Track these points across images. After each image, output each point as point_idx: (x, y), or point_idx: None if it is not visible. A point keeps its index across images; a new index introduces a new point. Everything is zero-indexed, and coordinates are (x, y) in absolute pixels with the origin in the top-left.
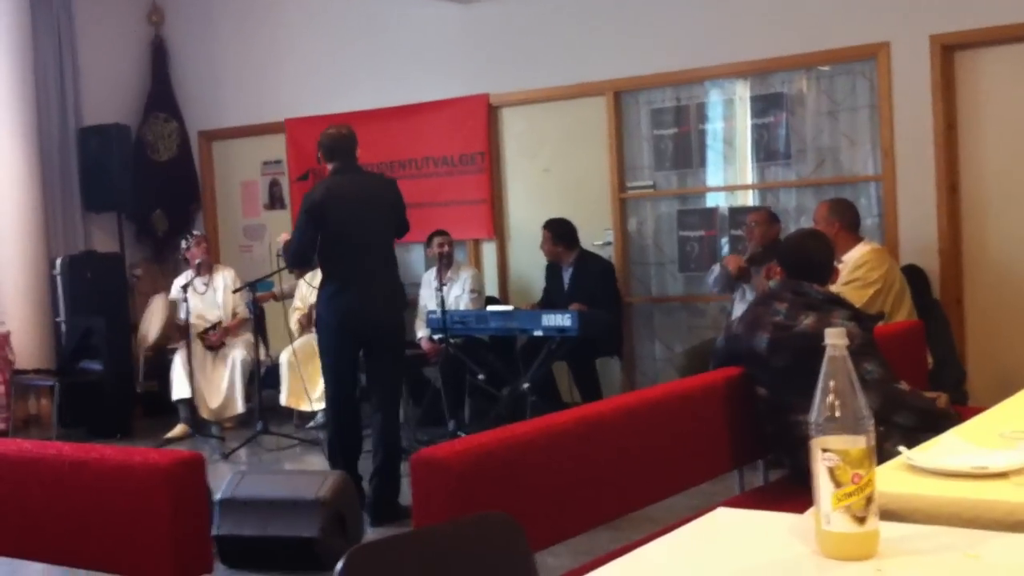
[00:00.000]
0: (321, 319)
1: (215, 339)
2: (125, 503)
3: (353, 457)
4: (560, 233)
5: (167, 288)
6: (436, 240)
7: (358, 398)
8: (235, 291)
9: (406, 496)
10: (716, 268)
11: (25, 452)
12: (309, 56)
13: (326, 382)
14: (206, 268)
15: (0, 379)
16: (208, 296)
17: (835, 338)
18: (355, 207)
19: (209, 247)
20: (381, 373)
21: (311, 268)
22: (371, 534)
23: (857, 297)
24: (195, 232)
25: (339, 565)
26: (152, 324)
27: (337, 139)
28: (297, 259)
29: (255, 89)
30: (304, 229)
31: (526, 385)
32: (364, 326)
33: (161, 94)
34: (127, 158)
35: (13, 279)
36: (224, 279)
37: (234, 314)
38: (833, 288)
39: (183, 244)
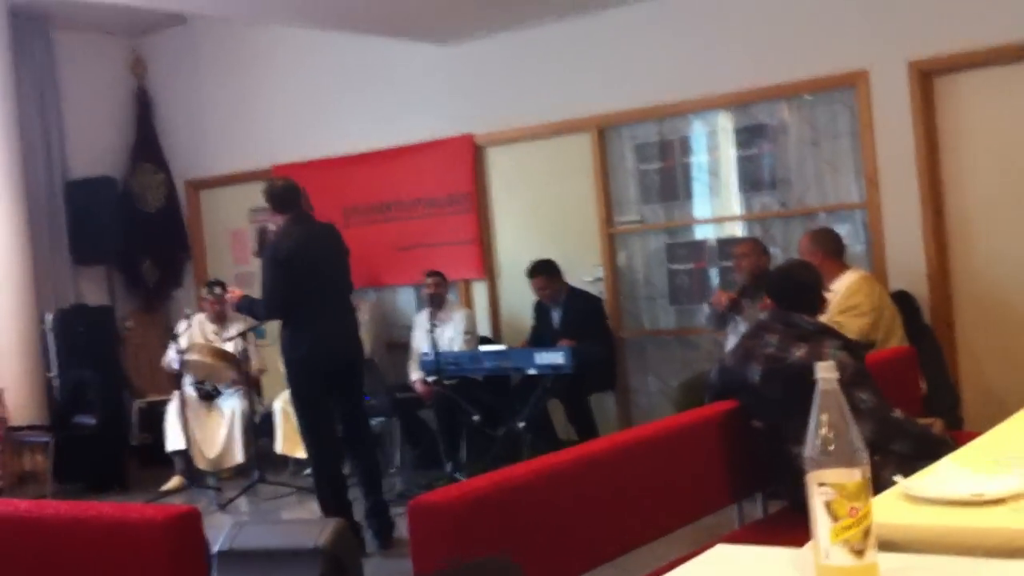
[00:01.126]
0: (294, 367)
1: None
2: (123, 560)
3: (344, 499)
4: (552, 272)
5: (159, 339)
6: (429, 280)
7: (336, 440)
8: (227, 340)
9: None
10: (706, 308)
11: (22, 512)
12: (294, 102)
13: (304, 427)
14: (218, 317)
15: None
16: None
17: (826, 371)
18: (318, 255)
19: (219, 301)
20: (352, 409)
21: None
22: None
23: (857, 325)
24: (217, 289)
25: None
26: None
27: (288, 190)
28: (276, 310)
29: (241, 137)
30: (276, 279)
31: (522, 424)
32: (334, 365)
33: (146, 144)
34: (115, 210)
35: (4, 335)
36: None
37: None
38: (826, 318)
39: (204, 292)
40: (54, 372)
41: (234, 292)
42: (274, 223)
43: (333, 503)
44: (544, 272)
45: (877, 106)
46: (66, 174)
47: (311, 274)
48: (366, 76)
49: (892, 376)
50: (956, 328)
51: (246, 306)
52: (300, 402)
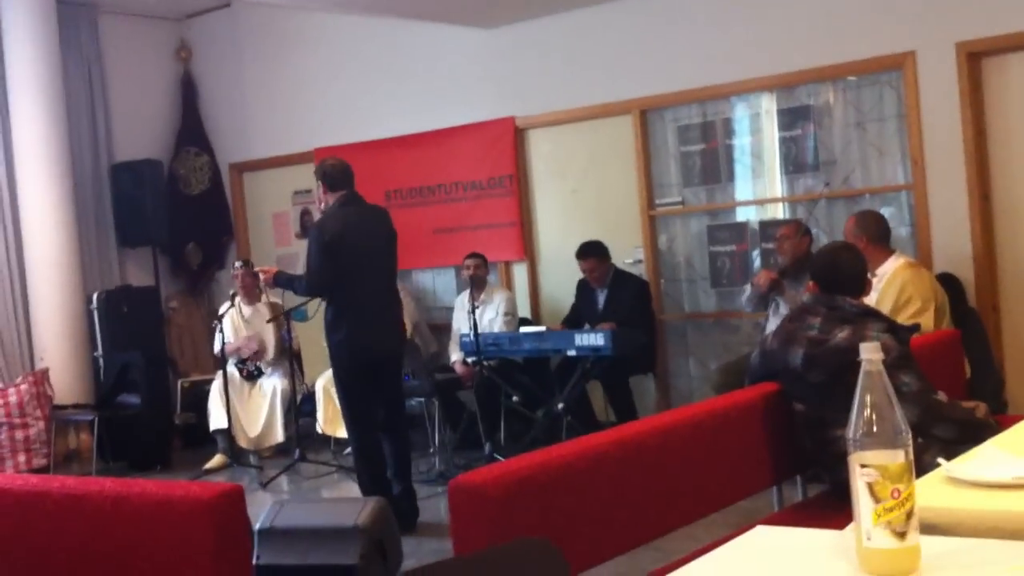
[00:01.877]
0: (336, 350)
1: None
2: (167, 537)
3: (385, 480)
4: (602, 254)
5: (203, 320)
6: (469, 262)
7: (377, 422)
8: (269, 320)
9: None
10: (748, 288)
11: (68, 489)
12: (336, 85)
13: (346, 410)
14: (249, 296)
15: (40, 415)
16: (251, 325)
17: (870, 353)
18: (365, 238)
19: (250, 277)
20: (393, 399)
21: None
22: (410, 560)
23: (921, 322)
24: (237, 263)
25: None
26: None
27: (340, 170)
28: (317, 289)
29: (283, 120)
30: (322, 260)
31: (561, 406)
32: (376, 354)
33: (191, 128)
34: (160, 193)
35: (51, 316)
36: (271, 308)
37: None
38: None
39: (236, 266)
40: (99, 352)
41: (267, 271)
42: (323, 201)
43: (372, 483)
44: (594, 254)
45: (924, 88)
46: (112, 157)
47: (356, 256)
48: (408, 60)
49: (936, 359)
50: (1001, 312)
51: (284, 282)
52: (341, 383)
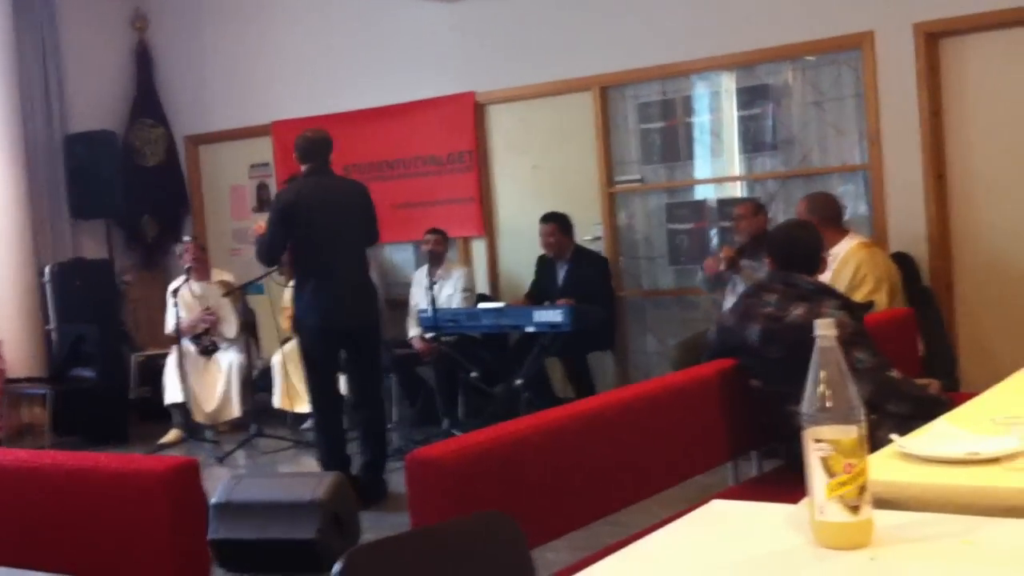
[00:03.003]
0: (301, 321)
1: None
2: (123, 510)
3: (344, 455)
4: (565, 225)
5: (159, 294)
6: (429, 236)
7: (340, 396)
8: (225, 295)
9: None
10: (700, 272)
11: (22, 462)
12: (295, 58)
13: (310, 383)
14: (199, 273)
15: None
16: (204, 301)
17: (825, 328)
18: (326, 209)
19: (200, 251)
20: (363, 370)
21: (277, 268)
22: (368, 534)
23: (875, 300)
24: (185, 237)
25: (338, 565)
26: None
27: (313, 142)
28: (265, 256)
29: (241, 92)
30: (275, 229)
31: (519, 381)
32: (343, 325)
33: (147, 100)
34: (114, 165)
35: (3, 288)
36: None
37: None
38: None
39: (177, 250)
40: (52, 325)
41: (260, 226)
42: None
43: (330, 457)
44: (556, 221)
45: (882, 68)
46: (65, 128)
47: (315, 227)
48: (368, 32)
49: (890, 337)
50: (955, 291)
51: (257, 242)
52: (305, 355)
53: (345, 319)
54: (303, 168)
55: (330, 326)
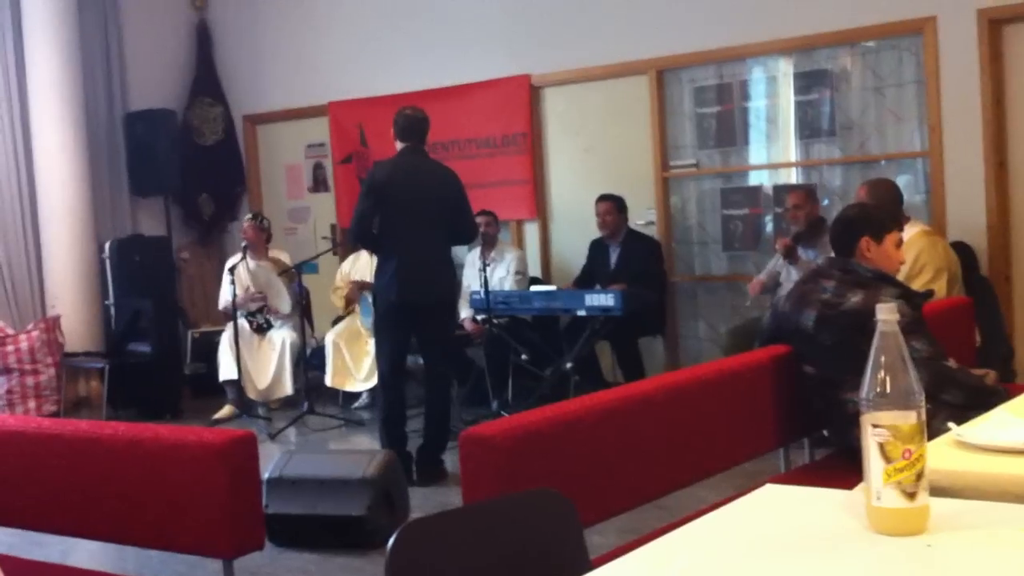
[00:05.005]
0: (378, 296)
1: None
2: (179, 481)
3: (401, 432)
4: (621, 206)
5: (215, 271)
6: (480, 219)
7: (404, 375)
8: (280, 273)
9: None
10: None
11: (81, 432)
12: (352, 39)
13: (380, 356)
14: (256, 251)
15: (51, 362)
16: (257, 278)
17: (887, 313)
18: (414, 189)
19: (259, 230)
20: (432, 350)
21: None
22: (417, 512)
23: (934, 288)
24: (248, 215)
25: (391, 540)
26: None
27: (412, 120)
28: (356, 234)
29: (298, 72)
30: (363, 205)
31: (569, 365)
32: (417, 301)
33: (206, 78)
34: (173, 143)
35: (63, 263)
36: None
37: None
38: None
39: (236, 227)
40: (111, 300)
41: None
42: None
43: (389, 434)
44: (613, 200)
45: (944, 54)
46: (126, 106)
47: (400, 207)
48: (425, 15)
49: (947, 327)
50: (1013, 282)
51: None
52: (375, 328)
53: (420, 296)
54: (399, 146)
55: (403, 302)
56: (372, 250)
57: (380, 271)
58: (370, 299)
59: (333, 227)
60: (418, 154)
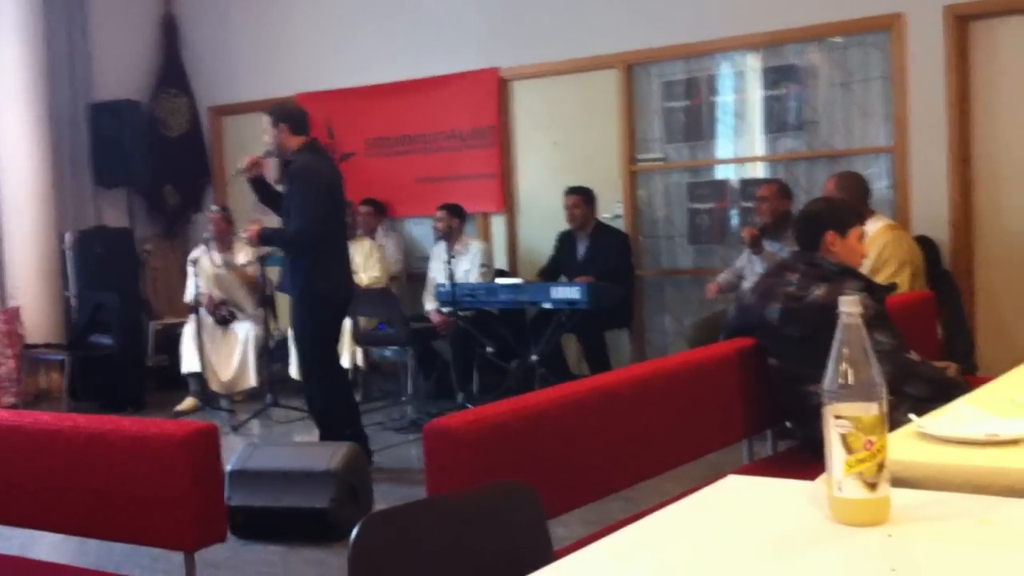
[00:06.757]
0: (326, 298)
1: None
2: (141, 474)
3: (359, 424)
4: (589, 198)
5: (178, 263)
6: (439, 214)
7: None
8: (243, 266)
9: None
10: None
11: (42, 424)
12: (320, 31)
13: (328, 359)
14: (222, 244)
15: (11, 353)
16: (221, 280)
17: (850, 306)
18: (341, 186)
19: (224, 223)
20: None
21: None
22: (381, 504)
23: (898, 281)
24: (212, 207)
25: (355, 532)
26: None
27: (304, 114)
28: (319, 235)
29: (266, 64)
30: (325, 205)
31: (535, 357)
32: (346, 299)
33: (172, 70)
34: (138, 134)
35: (23, 254)
36: (246, 254)
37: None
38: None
39: (200, 219)
40: (72, 292)
41: (251, 228)
42: (284, 144)
43: (348, 430)
44: (581, 193)
45: (911, 50)
46: (90, 97)
47: (340, 205)
48: (394, 7)
49: (910, 320)
50: (975, 276)
51: (268, 237)
52: (322, 332)
53: (348, 289)
54: (297, 140)
55: (339, 296)
56: (307, 252)
57: (321, 273)
58: None
59: None
60: (324, 149)
